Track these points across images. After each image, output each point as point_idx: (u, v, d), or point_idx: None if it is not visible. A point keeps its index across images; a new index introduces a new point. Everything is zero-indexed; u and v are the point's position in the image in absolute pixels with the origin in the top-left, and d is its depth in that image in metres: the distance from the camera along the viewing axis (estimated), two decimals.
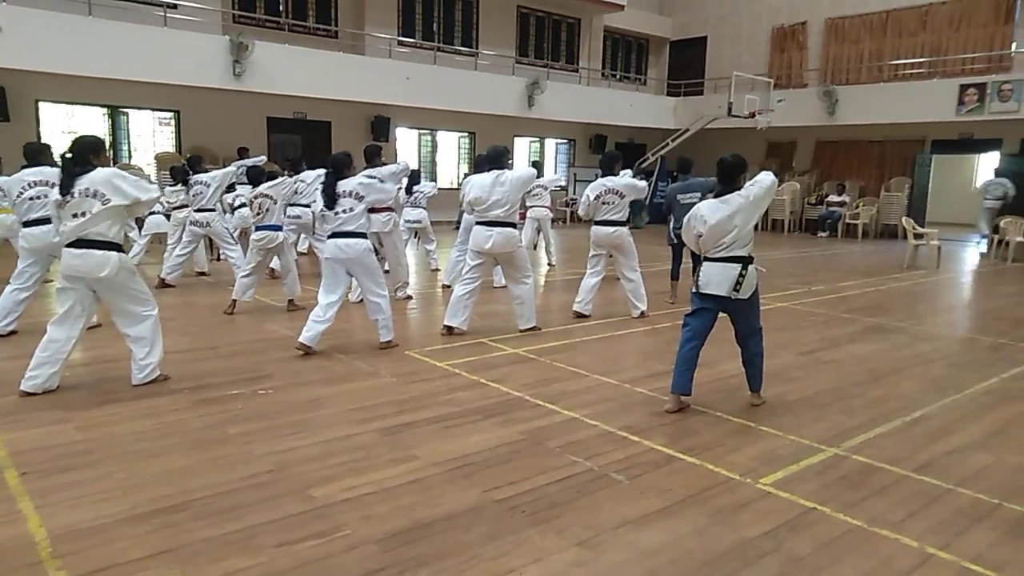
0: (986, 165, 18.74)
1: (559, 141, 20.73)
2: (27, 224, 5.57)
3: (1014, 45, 15.49)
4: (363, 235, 5.40)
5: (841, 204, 17.11)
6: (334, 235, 5.35)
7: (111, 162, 13.35)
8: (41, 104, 12.75)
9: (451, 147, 18.58)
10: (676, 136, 18.75)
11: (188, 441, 3.70)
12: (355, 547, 2.71)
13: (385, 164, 7.57)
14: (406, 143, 17.42)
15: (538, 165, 10.95)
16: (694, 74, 20.82)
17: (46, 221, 5.34)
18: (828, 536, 2.88)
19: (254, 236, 6.84)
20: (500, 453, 3.66)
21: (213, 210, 7.93)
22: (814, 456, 3.72)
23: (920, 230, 12.51)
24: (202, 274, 9.07)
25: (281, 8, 14.91)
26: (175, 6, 12.88)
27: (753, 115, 17.05)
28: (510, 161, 6.23)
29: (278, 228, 6.89)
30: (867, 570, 2.65)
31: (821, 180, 18.89)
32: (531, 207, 10.33)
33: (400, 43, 16.02)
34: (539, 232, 10.61)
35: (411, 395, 4.60)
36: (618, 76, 21.45)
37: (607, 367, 5.28)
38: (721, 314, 4.31)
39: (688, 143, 18.36)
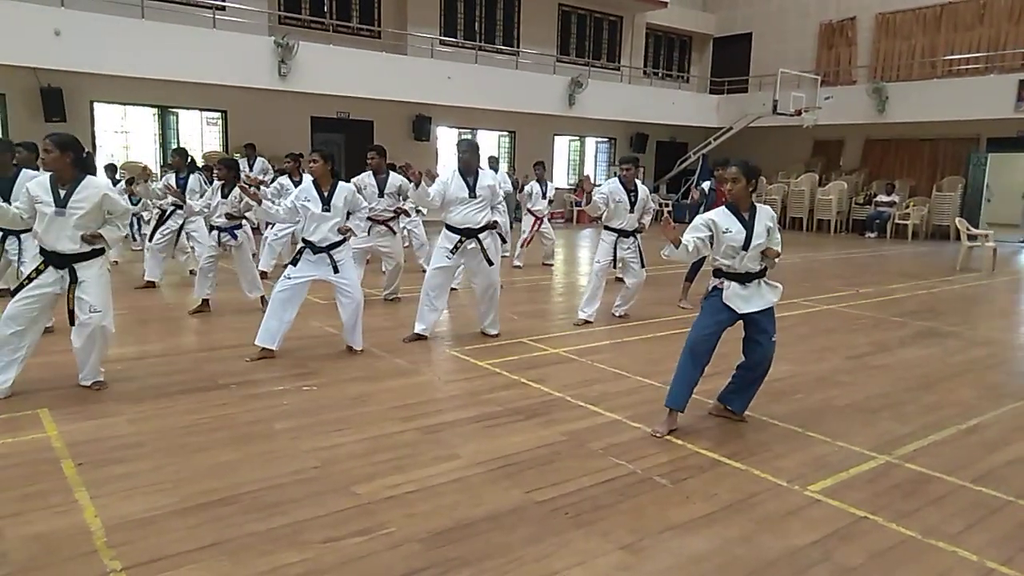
0: None
1: (600, 140, 20.61)
2: None
3: None
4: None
5: (890, 204, 16.65)
6: None
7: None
8: (96, 104, 13.14)
9: (491, 146, 18.61)
10: (719, 134, 18.50)
11: (235, 436, 3.77)
12: (399, 545, 2.72)
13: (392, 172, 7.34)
14: (446, 142, 17.50)
15: (540, 164, 10.93)
16: (738, 71, 20.48)
17: None
18: (881, 546, 2.80)
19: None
20: (542, 454, 3.64)
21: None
22: (865, 463, 3.62)
23: (974, 231, 12.10)
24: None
25: (326, 9, 15.12)
26: (223, 8, 13.15)
27: (799, 113, 16.72)
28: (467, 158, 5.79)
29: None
30: None
31: (869, 179, 18.41)
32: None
33: (442, 43, 16.10)
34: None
35: (452, 393, 4.62)
36: (660, 74, 21.23)
37: (649, 368, 5.22)
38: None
39: (731, 141, 18.08)
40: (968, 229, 11.87)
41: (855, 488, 3.32)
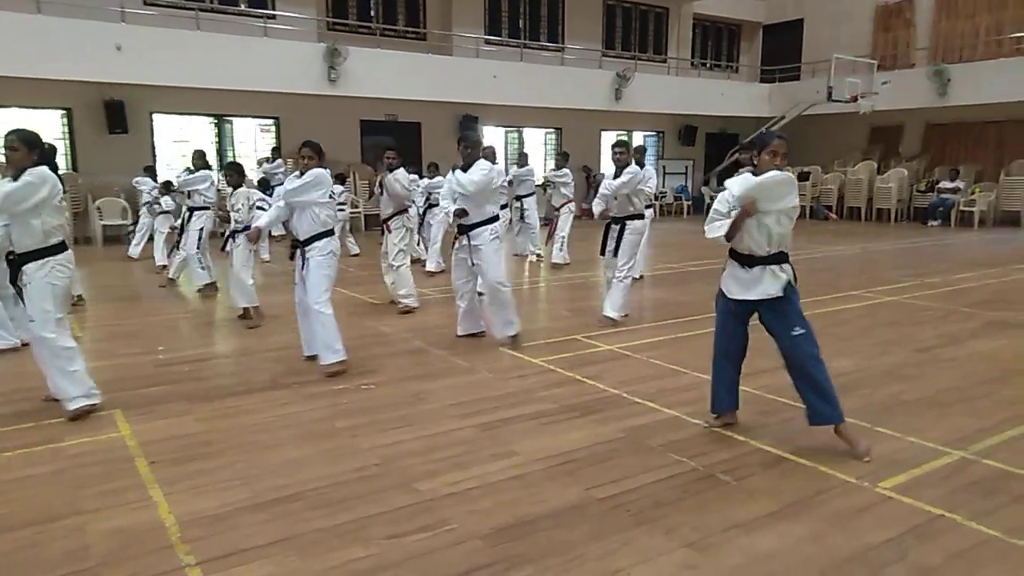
0: None
1: (647, 133, 20.34)
2: None
3: None
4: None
5: (954, 191, 15.99)
6: None
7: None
8: (155, 116, 13.59)
9: (538, 144, 18.58)
10: (771, 124, 18.04)
11: (300, 433, 3.85)
12: (461, 541, 2.73)
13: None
14: (493, 141, 17.53)
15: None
16: (790, 59, 19.94)
17: None
18: (961, 546, 2.69)
19: None
20: (600, 451, 3.61)
21: None
22: (938, 459, 3.48)
23: None
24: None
25: (372, 13, 15.31)
26: (273, 16, 13.46)
27: (855, 99, 16.20)
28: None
29: None
30: None
31: (931, 166, 17.73)
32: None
33: (487, 42, 16.13)
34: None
35: (508, 391, 4.62)
36: (708, 64, 20.84)
37: (707, 364, 5.06)
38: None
39: (785, 130, 17.63)
40: None
41: (930, 485, 3.20)
